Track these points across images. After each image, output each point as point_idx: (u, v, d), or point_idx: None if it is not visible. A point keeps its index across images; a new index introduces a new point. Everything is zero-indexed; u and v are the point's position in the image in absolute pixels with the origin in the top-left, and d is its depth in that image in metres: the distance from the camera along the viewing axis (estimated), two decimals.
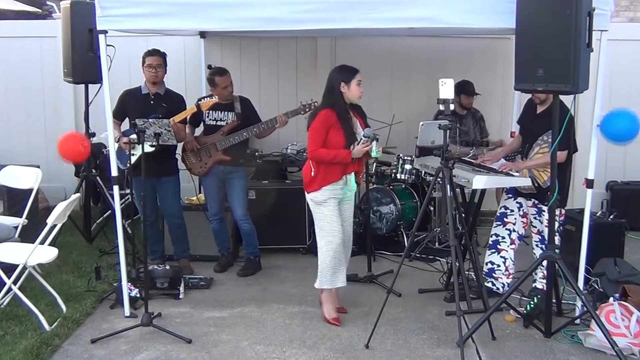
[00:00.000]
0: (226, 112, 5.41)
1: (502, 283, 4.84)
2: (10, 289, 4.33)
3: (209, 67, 5.51)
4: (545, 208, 4.58)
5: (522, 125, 4.97)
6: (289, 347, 4.11)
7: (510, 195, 4.86)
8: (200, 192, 6.07)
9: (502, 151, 5.25)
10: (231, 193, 5.49)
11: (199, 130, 5.64)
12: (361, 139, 4.36)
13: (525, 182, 4.56)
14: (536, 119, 4.68)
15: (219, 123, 5.41)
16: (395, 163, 6.44)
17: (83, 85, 5.98)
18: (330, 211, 4.37)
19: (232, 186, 5.47)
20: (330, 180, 4.35)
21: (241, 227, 5.53)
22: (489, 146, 6.29)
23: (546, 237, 4.62)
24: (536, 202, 4.71)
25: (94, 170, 6.08)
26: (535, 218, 4.77)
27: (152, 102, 5.27)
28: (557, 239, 4.27)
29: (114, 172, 4.43)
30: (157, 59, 5.22)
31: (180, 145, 5.47)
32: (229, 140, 5.33)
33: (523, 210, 4.82)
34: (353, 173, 4.49)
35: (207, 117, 5.41)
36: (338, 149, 4.31)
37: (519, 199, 4.81)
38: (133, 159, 5.20)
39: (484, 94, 6.55)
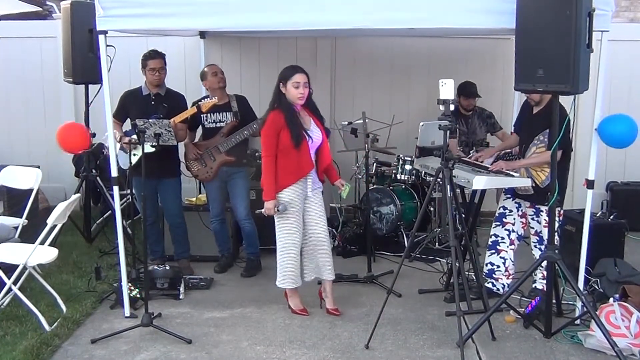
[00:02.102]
0: (224, 113, 5.40)
1: (502, 284, 4.84)
2: (10, 290, 4.33)
3: None
4: (543, 208, 4.59)
5: (519, 126, 4.97)
6: (289, 347, 4.11)
7: (509, 196, 4.86)
8: (200, 193, 6.06)
9: (497, 147, 5.26)
10: (234, 193, 5.47)
11: (198, 134, 5.64)
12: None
13: (525, 182, 4.55)
14: (533, 120, 4.69)
15: (218, 125, 5.39)
16: (395, 163, 6.44)
17: (83, 85, 5.99)
18: (288, 212, 4.42)
19: (234, 187, 5.46)
20: (285, 184, 4.40)
21: (243, 227, 5.51)
22: (488, 146, 6.28)
23: (544, 238, 4.63)
24: (534, 202, 4.70)
25: (94, 171, 6.09)
26: (533, 219, 4.76)
27: (153, 102, 5.27)
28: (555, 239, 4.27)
29: (114, 173, 4.43)
30: (159, 62, 5.22)
31: (181, 149, 5.47)
32: (231, 140, 5.31)
33: (522, 210, 4.82)
34: (313, 171, 4.49)
35: (206, 120, 5.40)
36: (287, 149, 4.34)
37: (518, 199, 4.81)
38: (134, 160, 5.21)
39: (484, 94, 6.54)
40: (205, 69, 5.45)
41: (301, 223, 4.52)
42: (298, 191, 4.44)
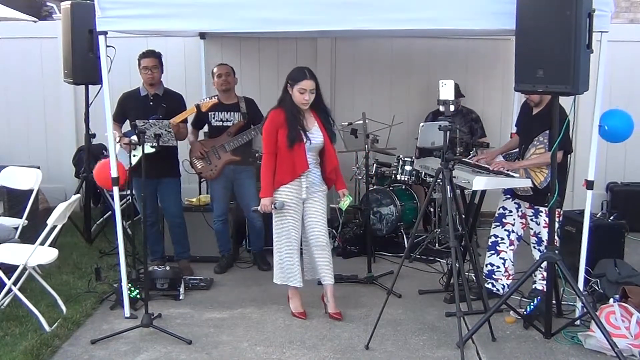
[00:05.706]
0: (232, 113, 5.42)
1: (502, 284, 4.84)
2: (10, 290, 4.33)
3: None
4: (542, 209, 4.58)
5: (519, 127, 4.97)
6: (289, 348, 4.11)
7: (508, 196, 4.86)
8: (201, 194, 6.06)
9: (499, 150, 5.26)
10: (242, 192, 5.51)
11: (201, 133, 5.64)
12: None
13: (525, 182, 4.55)
14: (532, 120, 4.69)
15: (225, 124, 5.42)
16: (395, 164, 6.44)
17: (83, 86, 5.99)
18: (284, 212, 4.41)
19: (242, 185, 5.50)
20: (281, 182, 4.39)
21: (254, 224, 5.59)
22: (489, 147, 6.28)
23: (543, 239, 4.63)
24: (532, 203, 4.70)
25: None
26: (532, 220, 4.76)
27: (151, 103, 5.28)
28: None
29: (114, 174, 4.43)
30: (152, 61, 5.23)
31: (181, 149, 5.47)
32: (237, 140, 5.34)
33: (521, 210, 4.81)
34: (311, 174, 4.45)
35: (213, 118, 5.43)
36: (283, 148, 4.33)
37: (517, 200, 4.81)
38: (134, 160, 5.21)
39: (484, 94, 6.55)
40: (214, 69, 5.50)
41: (298, 223, 4.50)
42: (293, 192, 4.43)
